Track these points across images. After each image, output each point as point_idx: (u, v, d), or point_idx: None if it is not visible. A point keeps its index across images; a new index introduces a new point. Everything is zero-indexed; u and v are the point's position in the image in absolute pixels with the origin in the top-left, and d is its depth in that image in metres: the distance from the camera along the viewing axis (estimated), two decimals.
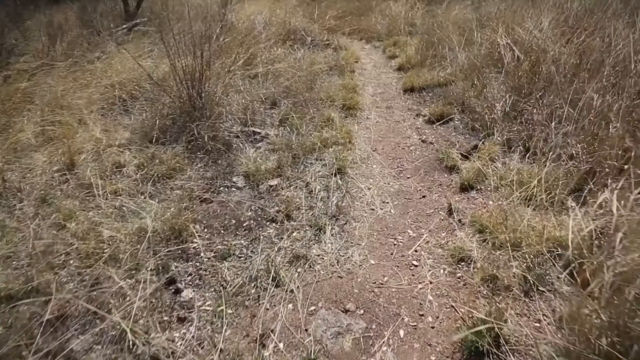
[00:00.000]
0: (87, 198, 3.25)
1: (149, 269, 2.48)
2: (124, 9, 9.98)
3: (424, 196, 3.07)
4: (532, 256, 2.25)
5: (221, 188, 3.29)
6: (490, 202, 2.87)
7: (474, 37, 6.00)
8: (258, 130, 3.97)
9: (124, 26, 8.04)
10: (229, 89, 4.68)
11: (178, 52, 4.32)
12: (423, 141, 3.86)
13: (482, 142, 3.46)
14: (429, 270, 2.38)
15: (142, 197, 3.23)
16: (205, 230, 2.86)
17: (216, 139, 3.75)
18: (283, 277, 2.32)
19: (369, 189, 3.18)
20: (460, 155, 3.38)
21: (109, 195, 3.25)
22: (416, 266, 2.42)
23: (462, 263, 2.39)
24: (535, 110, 3.53)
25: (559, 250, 2.27)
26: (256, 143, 3.85)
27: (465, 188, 3.06)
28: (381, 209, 2.95)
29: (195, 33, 5.54)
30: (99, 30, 7.96)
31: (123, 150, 3.83)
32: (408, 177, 3.33)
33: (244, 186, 3.27)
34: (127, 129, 4.15)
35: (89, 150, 3.81)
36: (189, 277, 2.45)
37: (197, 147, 3.71)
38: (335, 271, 2.39)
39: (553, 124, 3.10)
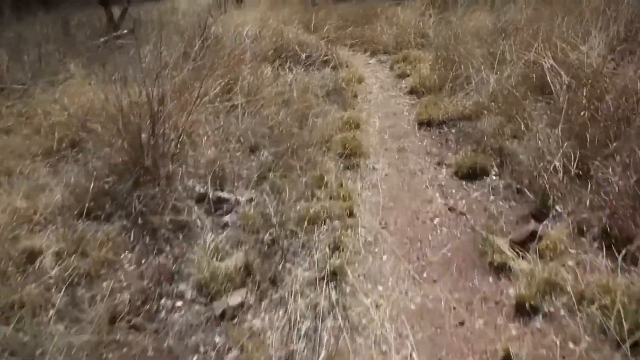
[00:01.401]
0: None
1: None
2: (108, 19, 8.95)
3: (461, 323, 1.97)
4: None
5: (162, 301, 2.22)
6: (573, 347, 1.76)
7: (501, 50, 4.89)
8: (226, 196, 2.89)
9: (100, 40, 6.96)
10: (196, 130, 3.60)
11: (123, 85, 3.26)
12: (451, 209, 2.76)
13: (543, 224, 2.33)
14: None
15: (48, 315, 2.17)
16: None
17: (166, 213, 2.67)
18: None
19: (378, 306, 2.08)
20: (509, 246, 2.27)
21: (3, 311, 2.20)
22: None
23: None
24: (612, 172, 2.42)
25: None
26: (222, 217, 2.76)
27: (525, 310, 1.96)
28: (397, 353, 1.85)
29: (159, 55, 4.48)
30: (69, 46, 6.95)
31: (43, 228, 2.78)
32: (434, 281, 2.23)
33: (194, 300, 2.18)
34: (59, 191, 3.09)
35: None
36: None
37: (139, 228, 2.63)
38: None
39: None
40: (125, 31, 7.81)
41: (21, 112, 4.53)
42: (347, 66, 5.84)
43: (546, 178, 2.58)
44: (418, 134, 3.85)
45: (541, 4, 6.69)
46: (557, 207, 2.44)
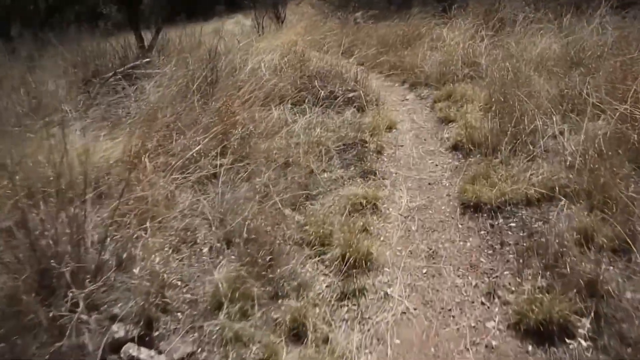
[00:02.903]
0: None
1: None
2: (138, 45, 8.25)
3: None
4: None
5: None
6: None
7: (578, 92, 3.57)
8: (142, 358, 1.80)
9: (109, 75, 6.13)
10: (151, 215, 2.58)
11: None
12: None
13: None
14: None
15: None
16: None
17: None
18: None
19: None
20: None
21: None
22: None
23: None
24: None
25: None
26: None
27: None
28: None
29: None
30: (80, 79, 6.23)
31: None
32: None
33: None
34: None
35: None
36: None
37: None
38: None
39: None
40: (147, 60, 7.00)
41: None
42: (377, 104, 4.64)
43: None
44: (460, 225, 2.59)
45: (626, 23, 5.19)
46: None
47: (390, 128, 4.05)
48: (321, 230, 2.43)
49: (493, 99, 3.72)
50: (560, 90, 3.70)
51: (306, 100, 4.47)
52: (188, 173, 3.12)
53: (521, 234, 2.36)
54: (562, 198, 2.45)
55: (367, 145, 3.61)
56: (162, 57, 7.13)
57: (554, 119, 3.22)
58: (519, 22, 6.14)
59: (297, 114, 4.14)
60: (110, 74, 6.01)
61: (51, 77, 6.00)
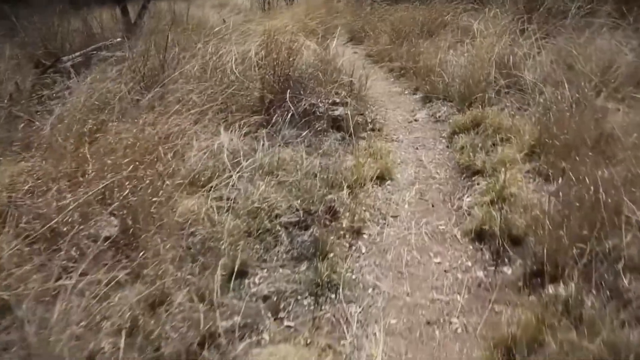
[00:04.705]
0: None
1: None
2: (123, 21, 6.73)
3: None
4: None
5: None
6: None
7: None
8: None
9: (49, 63, 4.60)
10: None
11: None
12: None
13: None
14: None
15: None
16: None
17: None
18: None
19: None
20: None
21: None
22: None
23: None
24: None
25: None
26: None
27: None
28: None
29: None
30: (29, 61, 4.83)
31: None
32: None
33: None
34: None
35: None
36: None
37: None
38: None
39: None
40: (119, 39, 5.46)
41: None
42: (372, 129, 3.12)
43: None
44: None
45: None
46: None
47: (383, 176, 2.54)
48: None
49: (543, 135, 2.17)
50: None
51: (273, 120, 2.98)
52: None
53: None
54: None
55: (338, 216, 2.13)
56: (134, 37, 5.60)
57: None
58: (571, 14, 4.44)
59: (251, 145, 2.67)
60: (53, 60, 4.55)
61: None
